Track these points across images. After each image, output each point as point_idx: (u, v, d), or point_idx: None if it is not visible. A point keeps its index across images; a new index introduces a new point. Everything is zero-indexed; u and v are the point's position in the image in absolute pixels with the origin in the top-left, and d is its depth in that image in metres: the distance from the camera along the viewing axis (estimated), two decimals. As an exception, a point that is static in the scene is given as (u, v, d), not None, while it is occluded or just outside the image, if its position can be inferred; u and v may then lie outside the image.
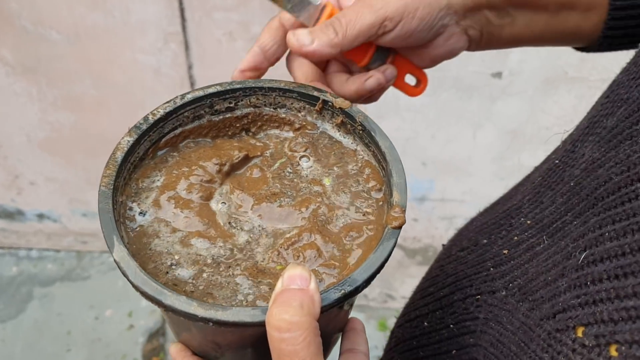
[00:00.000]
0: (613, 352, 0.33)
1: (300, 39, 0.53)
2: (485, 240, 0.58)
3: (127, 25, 1.45)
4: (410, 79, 0.64)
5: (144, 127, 0.49)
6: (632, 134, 0.41)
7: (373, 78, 0.57)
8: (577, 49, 0.67)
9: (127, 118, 1.66)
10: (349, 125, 0.54)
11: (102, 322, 1.99)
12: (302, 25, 0.56)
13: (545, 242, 0.47)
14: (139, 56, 1.52)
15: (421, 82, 0.64)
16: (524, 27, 0.60)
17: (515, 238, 0.52)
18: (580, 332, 0.36)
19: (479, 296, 0.53)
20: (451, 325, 0.56)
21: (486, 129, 1.66)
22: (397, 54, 0.60)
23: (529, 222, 0.52)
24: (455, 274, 0.59)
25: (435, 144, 1.68)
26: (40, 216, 2.04)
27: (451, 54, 0.60)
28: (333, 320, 0.47)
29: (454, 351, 0.55)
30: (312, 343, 0.35)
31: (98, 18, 1.44)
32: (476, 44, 0.60)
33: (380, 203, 0.50)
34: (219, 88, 0.53)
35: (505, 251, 0.53)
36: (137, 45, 1.50)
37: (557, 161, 0.52)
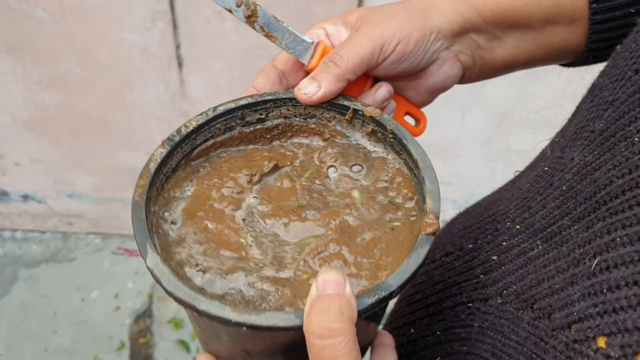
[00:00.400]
0: None
1: (307, 90, 0.53)
2: (470, 245, 0.57)
3: (113, 3, 1.43)
4: (409, 119, 0.64)
5: (177, 139, 0.50)
6: (626, 135, 0.41)
7: (382, 88, 0.57)
8: (565, 64, 0.67)
9: (113, 97, 1.66)
10: (379, 134, 0.54)
11: (88, 304, 1.99)
12: (298, 62, 0.58)
13: (540, 247, 0.46)
14: (126, 35, 1.50)
15: (420, 121, 0.64)
16: (513, 47, 0.60)
17: (504, 243, 0.52)
18: (602, 342, 0.35)
19: (470, 304, 0.52)
20: (438, 332, 0.56)
21: (475, 111, 1.66)
22: (393, 93, 0.61)
23: (517, 226, 0.51)
24: (443, 280, 0.59)
25: (424, 127, 1.67)
26: (25, 197, 2.02)
27: (446, 83, 0.60)
28: (362, 332, 0.46)
29: (439, 358, 0.55)
30: (353, 349, 0.35)
31: (84, -5, 1.42)
32: (469, 70, 0.61)
33: (413, 212, 0.50)
34: (250, 100, 0.54)
35: (495, 257, 0.52)
36: (124, 24, 1.48)
37: (545, 168, 0.52)
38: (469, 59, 0.59)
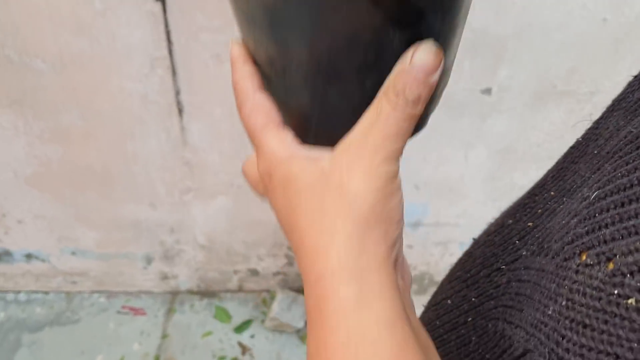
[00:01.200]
0: (610, 265, 0.34)
1: None
2: (510, 221, 0.59)
3: (113, 52, 1.45)
4: None
5: None
6: None
7: None
8: None
9: (115, 148, 1.66)
10: None
11: (93, 369, 1.93)
12: None
13: (565, 202, 0.48)
14: (126, 83, 1.52)
15: None
16: None
17: (539, 211, 0.53)
18: (584, 256, 0.37)
19: (504, 266, 0.54)
20: (473, 299, 0.57)
21: (477, 148, 1.66)
22: None
23: (552, 193, 0.53)
24: (483, 255, 0.60)
25: (427, 166, 1.67)
26: (29, 256, 2.01)
27: None
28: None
29: (470, 319, 0.56)
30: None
31: (83, 44, 1.44)
32: None
33: None
34: None
35: (530, 223, 0.54)
36: (124, 72, 1.50)
37: (580, 139, 0.54)
38: None
